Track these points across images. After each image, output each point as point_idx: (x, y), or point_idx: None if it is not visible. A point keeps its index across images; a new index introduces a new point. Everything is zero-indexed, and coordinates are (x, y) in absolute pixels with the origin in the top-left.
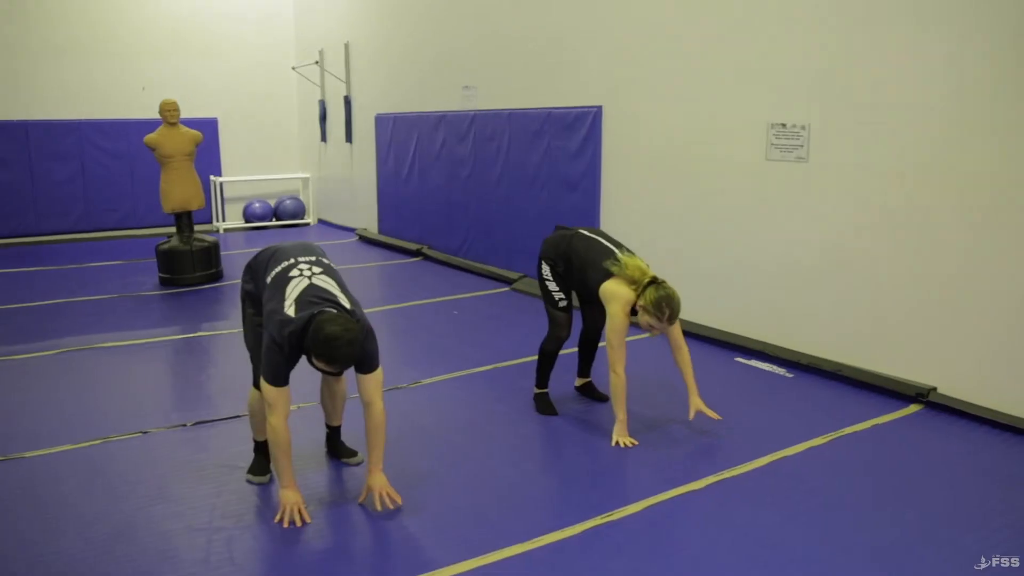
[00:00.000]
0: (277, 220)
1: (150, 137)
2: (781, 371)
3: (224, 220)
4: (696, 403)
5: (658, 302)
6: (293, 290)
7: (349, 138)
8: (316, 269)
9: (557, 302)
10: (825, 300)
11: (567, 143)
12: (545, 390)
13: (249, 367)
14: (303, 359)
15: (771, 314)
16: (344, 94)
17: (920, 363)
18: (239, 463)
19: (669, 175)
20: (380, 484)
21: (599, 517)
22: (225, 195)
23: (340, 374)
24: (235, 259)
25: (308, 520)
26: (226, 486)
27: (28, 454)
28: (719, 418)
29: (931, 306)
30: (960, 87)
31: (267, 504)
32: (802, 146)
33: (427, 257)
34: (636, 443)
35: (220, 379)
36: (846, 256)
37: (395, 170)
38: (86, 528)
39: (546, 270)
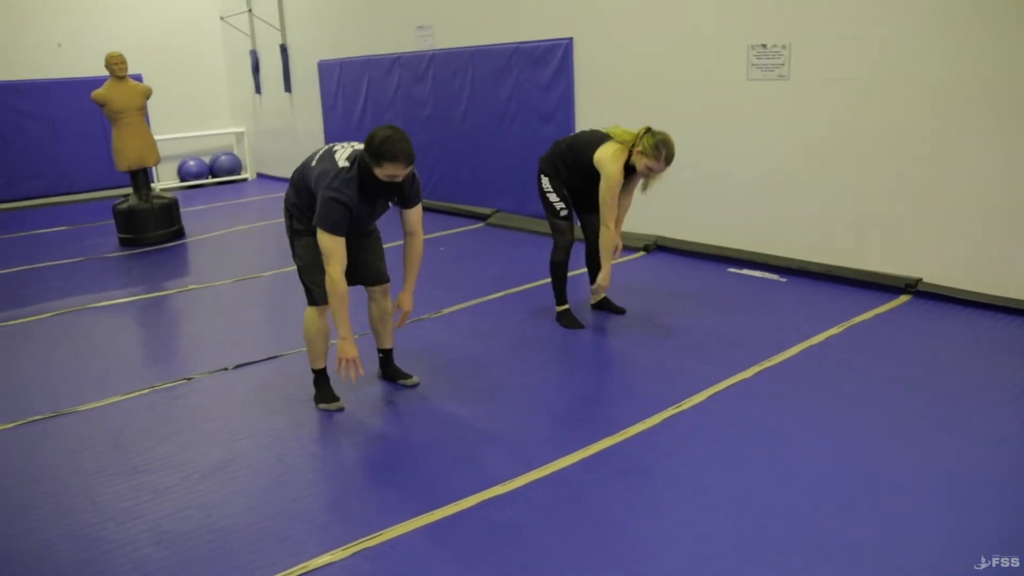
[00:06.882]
0: (213, 177)
1: (98, 93)
2: (774, 277)
3: (158, 180)
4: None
5: (656, 144)
6: (342, 155)
7: (288, 88)
8: (356, 144)
9: (559, 211)
10: (810, 207)
11: (537, 76)
12: (566, 306)
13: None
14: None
15: (758, 225)
16: (280, 42)
17: (904, 258)
18: (302, 396)
19: (648, 101)
20: (410, 306)
21: (614, 437)
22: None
23: (403, 180)
24: (187, 217)
25: (362, 372)
26: (301, 417)
27: (82, 407)
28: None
29: (909, 204)
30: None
31: (351, 429)
32: (783, 64)
33: None
34: (606, 288)
35: (234, 328)
36: (827, 164)
37: (345, 117)
38: (183, 467)
39: (545, 183)
